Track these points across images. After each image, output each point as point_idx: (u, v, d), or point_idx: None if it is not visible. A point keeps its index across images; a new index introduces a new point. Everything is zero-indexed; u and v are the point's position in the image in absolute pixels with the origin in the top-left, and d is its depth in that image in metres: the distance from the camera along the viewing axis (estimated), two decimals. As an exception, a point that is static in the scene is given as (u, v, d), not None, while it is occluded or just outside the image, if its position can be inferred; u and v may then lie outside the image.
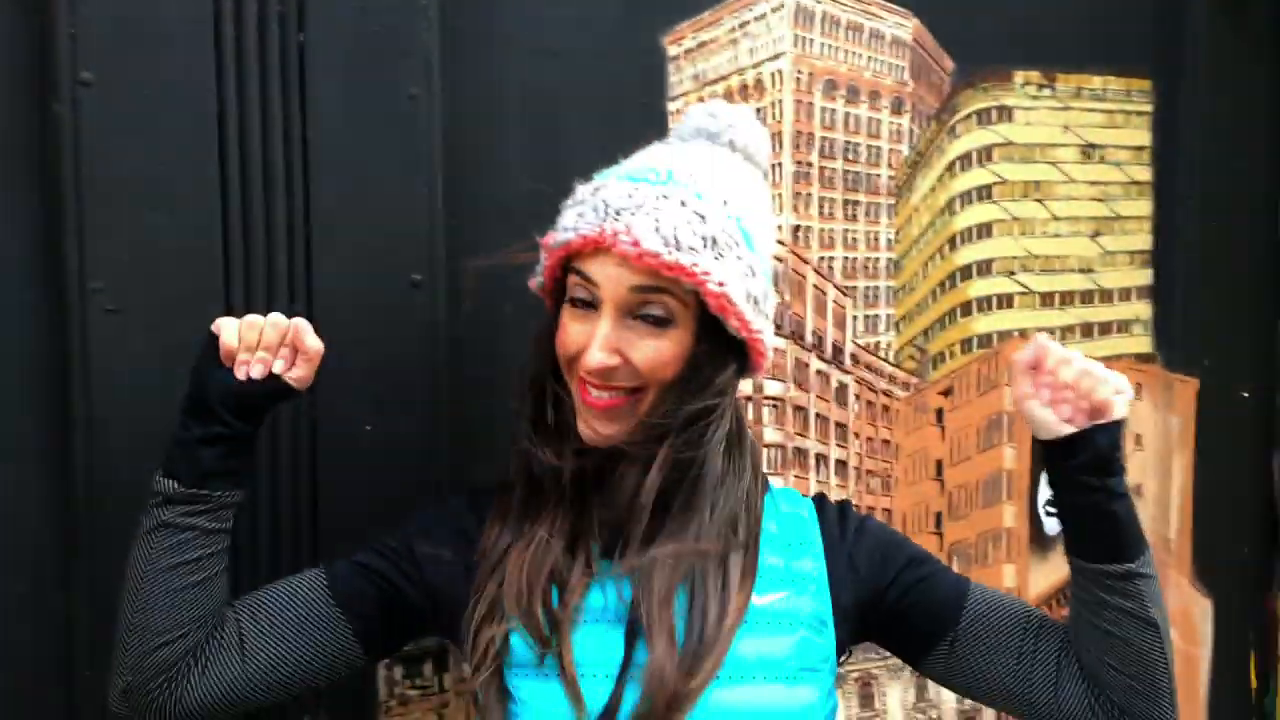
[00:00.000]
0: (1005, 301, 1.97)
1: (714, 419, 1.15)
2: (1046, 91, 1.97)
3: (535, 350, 1.21)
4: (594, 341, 1.12)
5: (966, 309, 1.95)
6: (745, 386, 1.78)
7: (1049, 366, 1.16)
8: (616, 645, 1.12)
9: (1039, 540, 2.01)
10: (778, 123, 1.79)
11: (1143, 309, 2.08)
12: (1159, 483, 2.09)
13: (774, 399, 1.81)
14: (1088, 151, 2.01)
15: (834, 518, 1.28)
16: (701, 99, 1.72)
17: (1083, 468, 1.17)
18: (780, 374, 1.81)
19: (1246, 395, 2.11)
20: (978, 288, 1.96)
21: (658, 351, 1.13)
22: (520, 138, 1.59)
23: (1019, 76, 1.94)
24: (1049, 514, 2.03)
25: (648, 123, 1.67)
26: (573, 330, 1.15)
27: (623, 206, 1.11)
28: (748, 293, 1.14)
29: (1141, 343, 2.08)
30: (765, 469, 1.80)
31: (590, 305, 1.14)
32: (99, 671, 1.28)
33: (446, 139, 1.54)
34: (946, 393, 1.94)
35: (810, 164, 1.82)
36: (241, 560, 1.42)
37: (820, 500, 1.31)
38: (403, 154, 1.50)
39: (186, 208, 1.39)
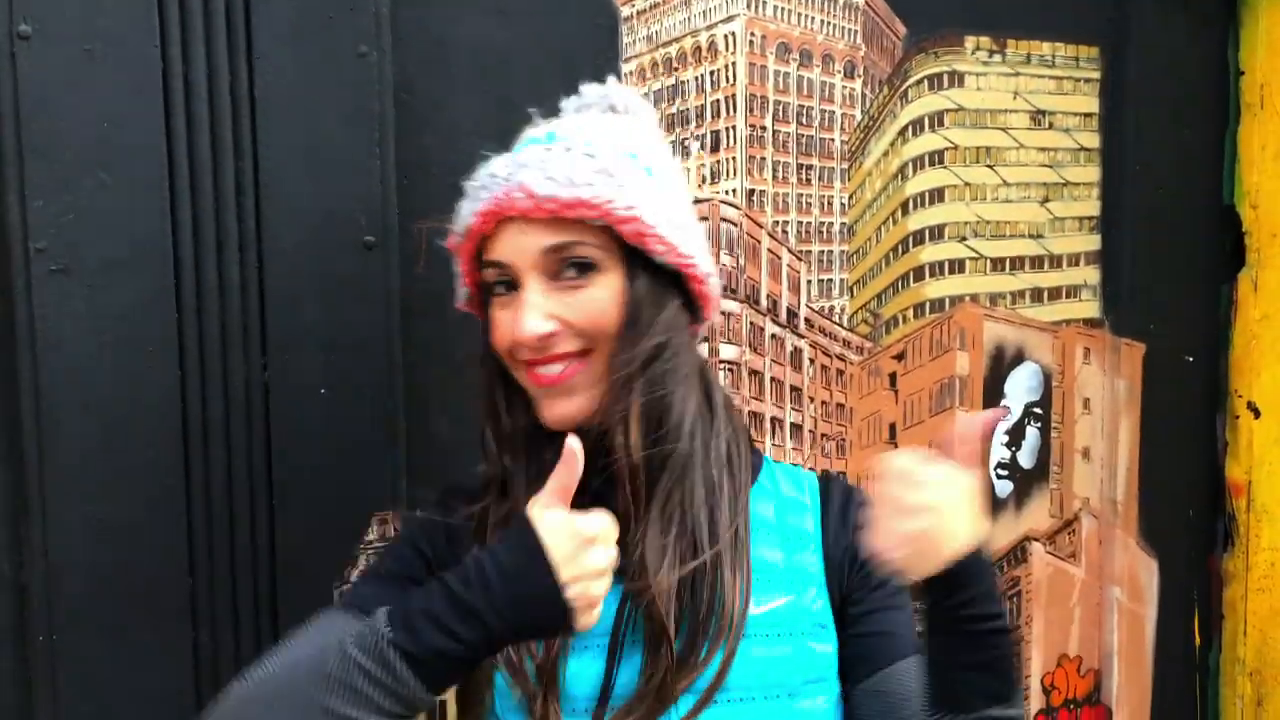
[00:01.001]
0: (957, 266, 1.99)
1: (669, 356, 1.06)
2: (997, 58, 1.98)
3: (481, 366, 1.13)
4: (522, 312, 1.05)
5: (919, 274, 1.96)
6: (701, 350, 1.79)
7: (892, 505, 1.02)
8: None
9: (989, 503, 2.04)
10: (731, 86, 1.78)
11: (1091, 274, 2.11)
12: (1106, 445, 2.12)
13: (729, 363, 1.81)
14: (1037, 117, 2.03)
15: (839, 505, 1.17)
16: (655, 61, 1.71)
17: (968, 603, 1.02)
18: (735, 338, 1.81)
19: (1191, 360, 2.15)
20: (929, 253, 1.97)
21: (591, 301, 1.05)
22: (472, 98, 1.57)
23: (970, 42, 1.96)
24: (1000, 477, 2.05)
25: (601, 83, 1.66)
26: (502, 319, 1.09)
27: (509, 172, 1.06)
28: (666, 218, 1.06)
29: (1090, 308, 2.10)
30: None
31: (511, 286, 1.08)
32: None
33: (398, 98, 1.52)
34: (899, 357, 1.95)
35: (764, 128, 1.81)
36: (196, 534, 1.41)
37: (825, 482, 1.22)
38: (353, 113, 1.48)
39: (131, 166, 1.36)
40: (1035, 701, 2.09)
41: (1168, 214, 2.12)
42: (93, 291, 1.34)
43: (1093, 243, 2.10)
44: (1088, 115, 2.07)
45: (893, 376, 1.95)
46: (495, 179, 1.08)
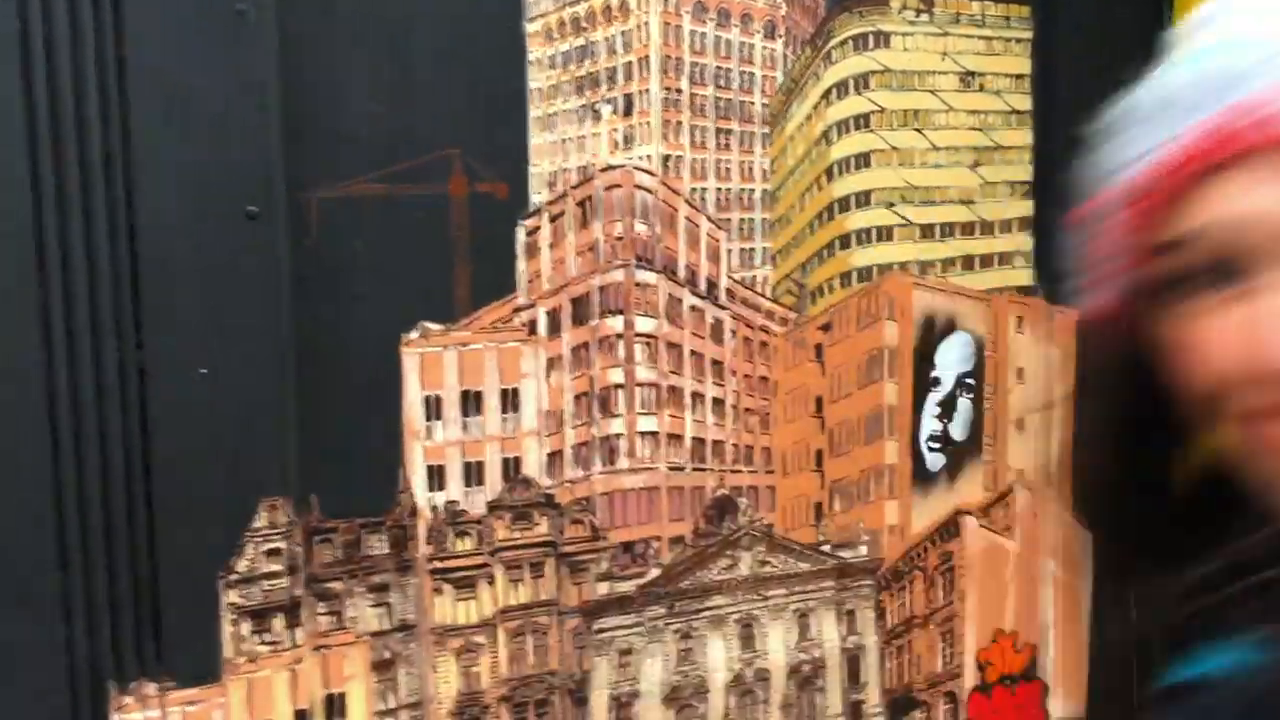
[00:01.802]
0: (885, 234, 1.93)
1: None
2: (924, 17, 1.92)
3: (1109, 413, 0.74)
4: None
5: (845, 242, 1.90)
6: (615, 323, 1.72)
7: None
8: None
9: (921, 476, 1.99)
10: (644, 47, 1.70)
11: (1024, 241, 2.05)
12: (1041, 416, 2.08)
13: (646, 336, 1.74)
14: (967, 79, 1.96)
15: None
16: (562, 21, 1.63)
17: None
18: (652, 310, 1.74)
19: (1126, 326, 2.09)
20: (856, 220, 1.91)
21: None
22: (364, 58, 1.49)
23: (896, 1, 1.88)
24: (931, 449, 2.00)
25: (505, 45, 1.58)
26: (1219, 331, 0.61)
27: (1241, 73, 0.59)
28: None
29: (1023, 275, 2.05)
30: (640, 408, 1.74)
31: (1230, 276, 0.60)
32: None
33: (284, 59, 1.43)
34: (826, 328, 1.89)
35: (680, 91, 1.74)
36: (68, 527, 1.32)
37: None
38: (233, 75, 1.39)
39: (-17, 133, 1.26)
40: (970, 678, 2.05)
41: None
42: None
43: (1025, 208, 2.04)
44: (1019, 77, 2.01)
45: (819, 348, 1.89)
46: (1209, 90, 0.60)
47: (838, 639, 1.93)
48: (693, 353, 1.79)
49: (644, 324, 1.74)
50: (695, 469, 1.79)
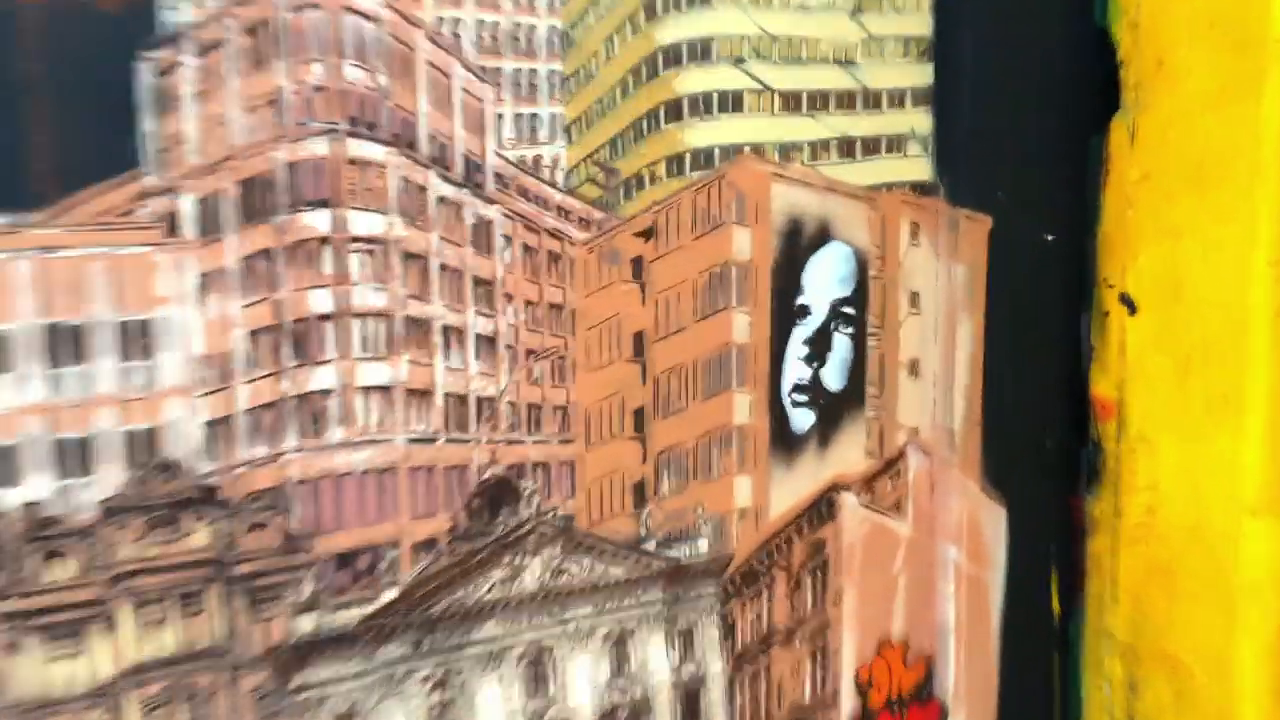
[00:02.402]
0: (731, 102, 1.37)
1: None
2: None
3: None
4: None
5: (674, 111, 1.33)
6: (317, 220, 1.12)
7: None
8: None
9: (783, 441, 1.45)
10: None
11: (920, 120, 1.51)
12: (942, 356, 1.56)
13: (369, 241, 1.15)
14: (845, -114, 1.40)
15: None
16: None
17: None
18: (378, 201, 1.15)
19: (1051, 238, 1.59)
20: (690, 80, 1.33)
21: None
22: None
23: None
24: (797, 404, 1.46)
25: None
26: None
27: None
28: None
29: (918, 166, 1.52)
30: (361, 351, 1.16)
31: None
32: None
33: None
34: (647, 235, 1.33)
35: None
36: None
37: None
38: None
39: None
40: (849, 705, 1.54)
41: (1021, 39, 1.54)
42: None
43: (922, 75, 1.51)
44: (915, -112, 1.45)
45: (637, 263, 1.32)
46: None
47: (668, 670, 1.39)
48: (445, 268, 1.21)
49: (364, 222, 1.15)
50: (452, 440, 1.22)
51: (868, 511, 1.55)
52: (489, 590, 1.26)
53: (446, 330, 1.21)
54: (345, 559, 1.17)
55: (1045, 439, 1.67)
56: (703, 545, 1.41)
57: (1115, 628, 1.67)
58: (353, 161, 1.13)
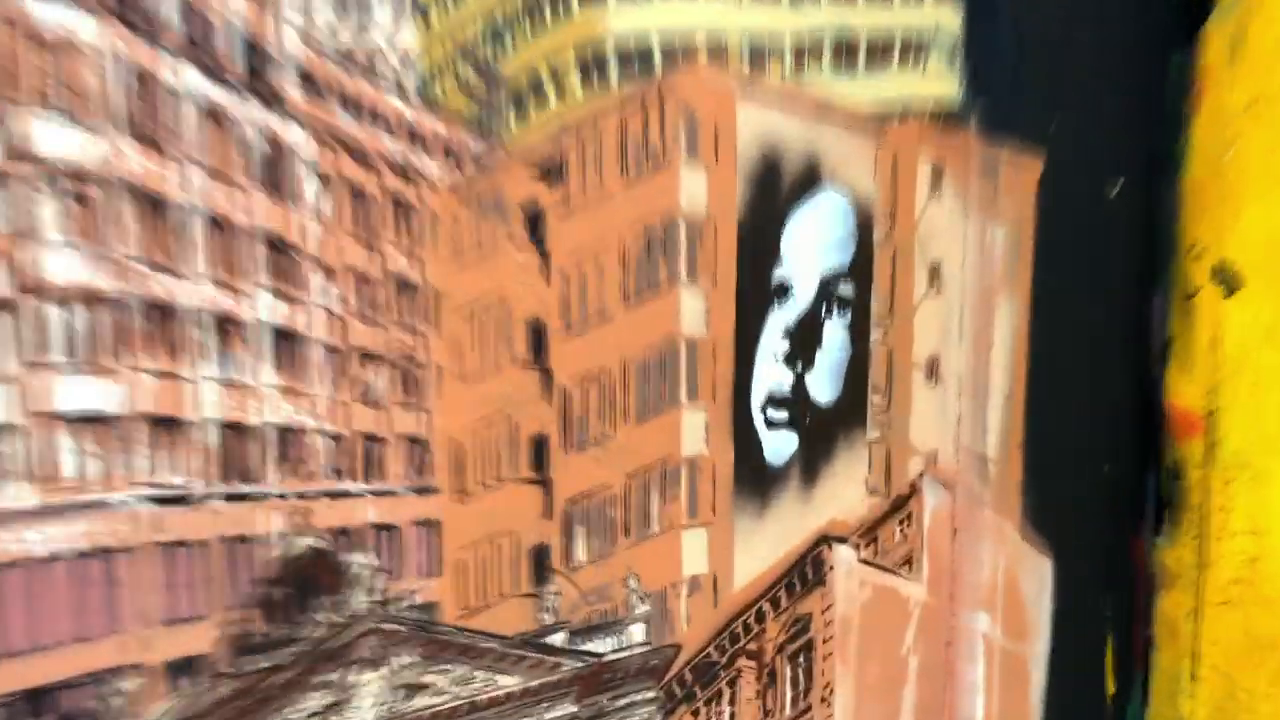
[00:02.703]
0: (677, -23, 0.92)
1: None
2: None
3: None
4: None
5: (591, -16, 0.88)
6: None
7: None
8: None
9: (752, 477, 1.02)
10: None
11: (946, 17, 1.07)
12: (971, 353, 1.12)
13: (68, 173, 0.69)
14: None
15: None
16: None
17: None
18: (85, 109, 0.69)
19: (1118, 187, 1.15)
20: (616, -60, 0.88)
21: None
22: None
23: None
24: (772, 423, 1.03)
25: None
26: None
27: None
28: None
29: (941, 84, 1.07)
30: (59, 355, 0.69)
31: None
32: None
33: None
34: (550, 176, 0.87)
35: None
36: None
37: None
38: None
39: None
40: (840, 834, 1.11)
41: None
42: None
43: (950, -46, 1.07)
44: None
45: (535, 219, 0.87)
46: None
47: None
48: (214, 221, 0.75)
49: (57, 140, 0.68)
50: (229, 497, 0.76)
51: (869, 570, 1.12)
52: (299, 725, 0.81)
53: (216, 321, 0.75)
54: (41, 700, 0.71)
55: (1103, 462, 1.24)
56: (636, 633, 0.97)
57: (1191, 714, 1.25)
58: (38, 39, 0.67)
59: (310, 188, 0.78)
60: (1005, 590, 1.22)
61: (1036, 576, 1.24)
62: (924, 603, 1.18)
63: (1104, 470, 1.28)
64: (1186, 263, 1.22)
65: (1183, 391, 1.24)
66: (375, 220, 0.81)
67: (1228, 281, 1.19)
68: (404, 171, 0.82)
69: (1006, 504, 1.22)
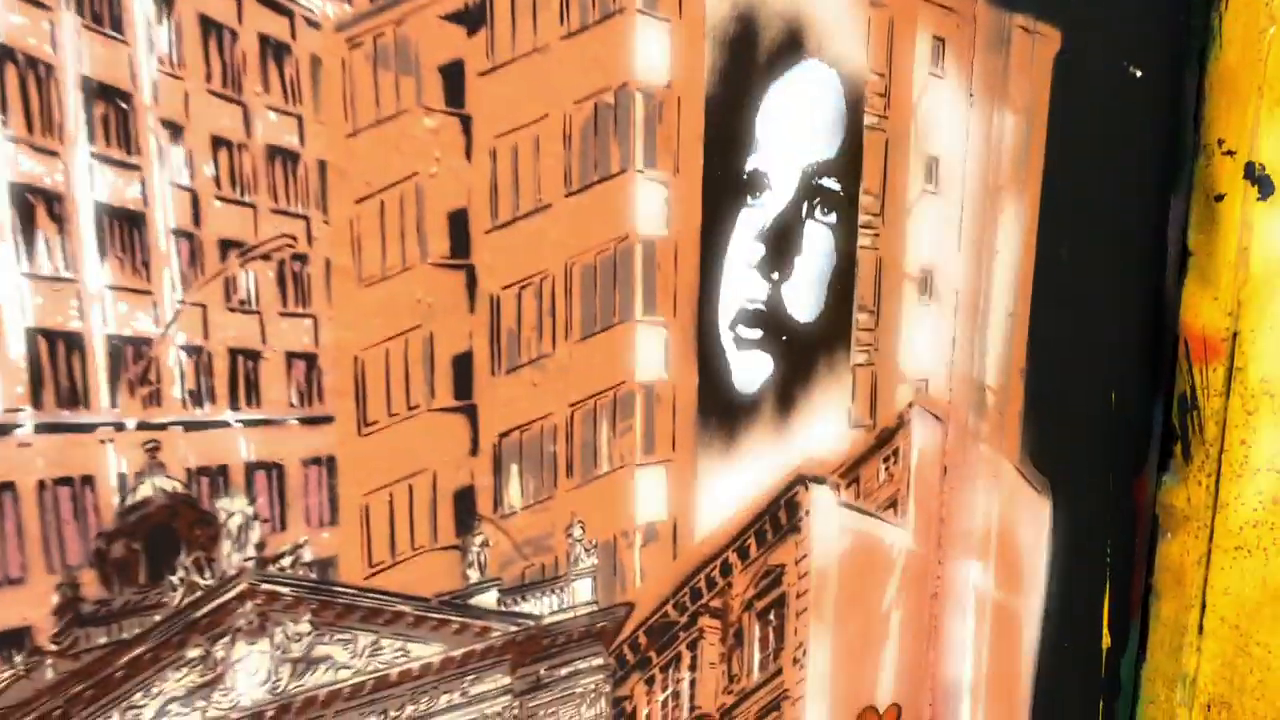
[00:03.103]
0: None
1: None
2: None
3: None
4: None
5: None
6: None
7: None
8: None
9: (719, 406, 0.85)
10: None
11: None
12: (972, 264, 0.96)
13: None
14: None
15: None
16: None
17: None
18: None
19: (1139, 74, 0.99)
20: None
21: None
22: None
23: None
24: (743, 340, 0.86)
25: None
26: None
27: None
28: None
29: (947, -60, 0.91)
30: None
31: None
32: None
33: None
34: (471, 21, 0.69)
35: None
36: None
37: None
38: None
39: None
40: (812, 811, 0.97)
41: None
42: None
43: None
44: None
45: (454, 76, 0.69)
46: None
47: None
48: (9, 57, 0.55)
49: None
50: (47, 427, 0.58)
51: (850, 515, 0.96)
52: (146, 698, 0.64)
53: (15, 192, 0.56)
54: None
55: (1109, 388, 1.10)
56: (581, 591, 0.81)
57: (1197, 670, 1.12)
58: None
59: (144, 12, 0.59)
60: (999, 537, 1.07)
61: (1034, 521, 1.09)
62: (909, 551, 1.03)
63: (1110, 399, 1.14)
64: (1214, 161, 1.07)
65: (1202, 310, 1.09)
66: (238, 68, 0.62)
67: (1261, 182, 1.04)
68: (276, 3, 0.63)
69: (1004, 439, 1.07)
